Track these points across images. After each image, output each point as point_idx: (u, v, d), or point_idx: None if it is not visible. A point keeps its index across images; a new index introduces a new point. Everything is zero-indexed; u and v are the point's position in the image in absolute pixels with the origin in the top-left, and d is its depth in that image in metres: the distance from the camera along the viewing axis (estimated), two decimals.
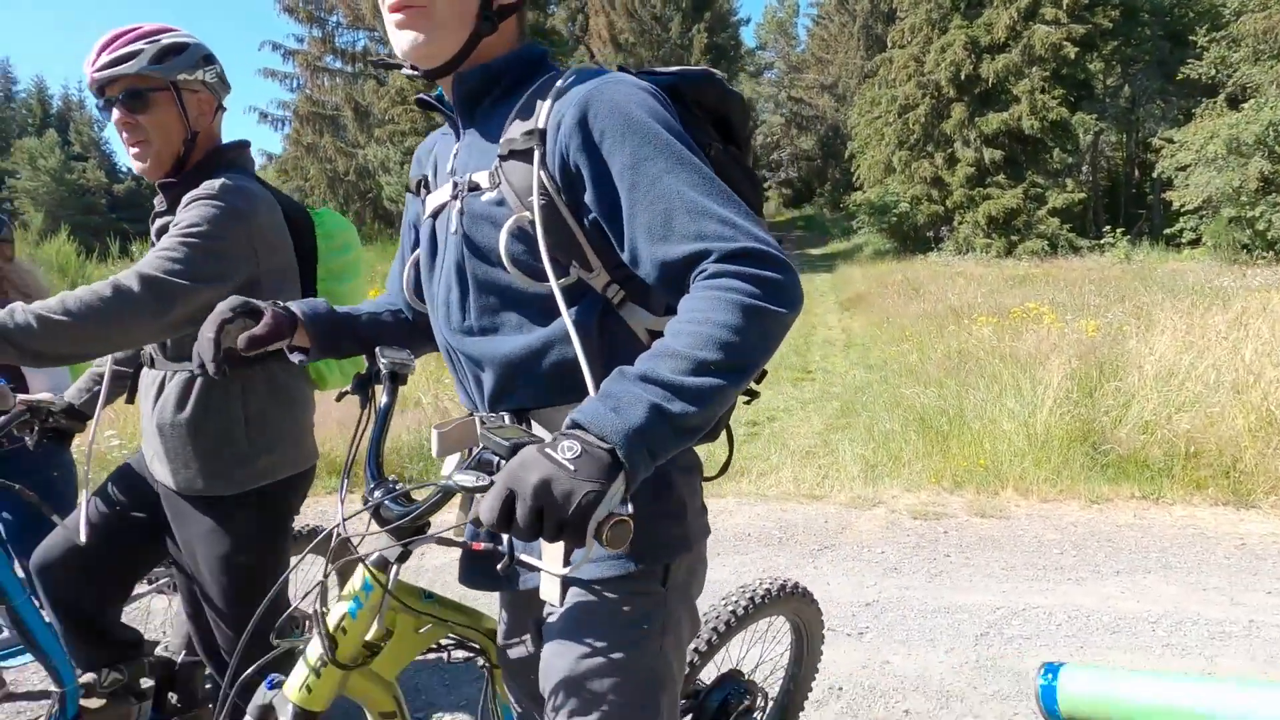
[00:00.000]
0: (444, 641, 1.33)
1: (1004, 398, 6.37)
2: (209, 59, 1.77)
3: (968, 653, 3.05)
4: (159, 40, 1.67)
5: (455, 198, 1.14)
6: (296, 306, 1.27)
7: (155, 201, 1.81)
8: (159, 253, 1.57)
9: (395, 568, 1.13)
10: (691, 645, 1.75)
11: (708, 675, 1.91)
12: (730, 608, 1.84)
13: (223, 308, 1.21)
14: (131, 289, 1.50)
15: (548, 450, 0.82)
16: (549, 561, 0.98)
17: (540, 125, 1.04)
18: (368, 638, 1.15)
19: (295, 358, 1.29)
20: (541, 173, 1.04)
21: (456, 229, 1.14)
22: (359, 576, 1.14)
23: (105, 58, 1.64)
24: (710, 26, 31.80)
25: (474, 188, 1.11)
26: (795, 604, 2.02)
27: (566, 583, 1.09)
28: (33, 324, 1.41)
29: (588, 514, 0.79)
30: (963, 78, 25.11)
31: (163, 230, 1.75)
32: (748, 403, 1.41)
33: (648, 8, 31.96)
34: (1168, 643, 3.11)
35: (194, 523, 1.81)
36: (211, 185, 1.67)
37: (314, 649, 1.10)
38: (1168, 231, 23.58)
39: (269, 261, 1.72)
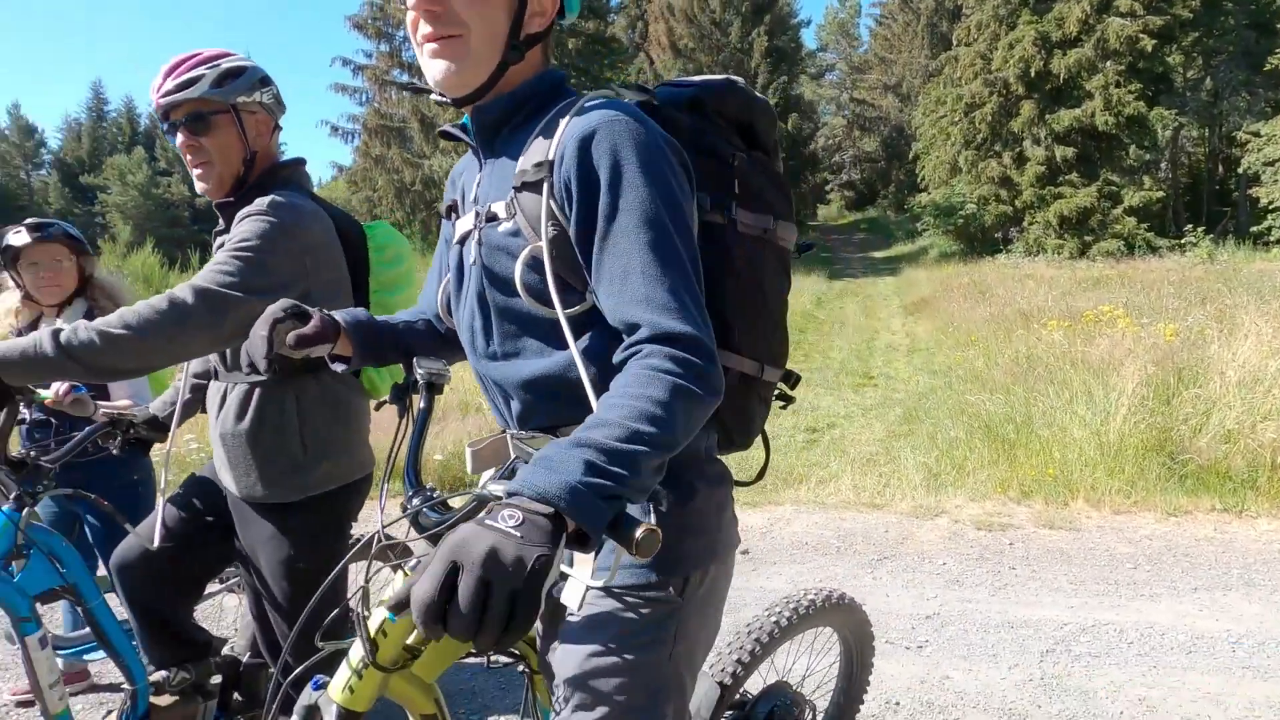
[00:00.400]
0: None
1: (1075, 405, 6.16)
2: (265, 81, 1.84)
3: (1032, 669, 2.95)
4: (219, 65, 1.75)
5: (476, 228, 1.17)
6: (339, 315, 1.31)
7: (219, 223, 1.89)
8: (212, 266, 1.64)
9: (403, 564, 1.17)
10: (735, 656, 1.73)
11: (755, 686, 1.89)
12: (774, 619, 1.82)
13: (274, 308, 1.25)
14: (186, 301, 1.57)
15: (487, 521, 0.79)
16: (579, 570, 0.99)
17: (549, 157, 1.07)
18: (408, 642, 1.17)
19: (337, 366, 1.34)
20: (551, 203, 1.07)
21: (476, 259, 1.17)
22: (400, 582, 1.17)
23: (169, 84, 1.73)
24: (770, 30, 31.58)
25: (492, 218, 1.14)
26: (842, 616, 1.98)
27: (586, 589, 1.10)
28: (95, 340, 1.49)
29: (540, 579, 0.76)
30: (1032, 74, 24.39)
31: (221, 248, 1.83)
32: (783, 408, 1.39)
33: (707, 13, 31.93)
34: (1248, 664, 2.96)
35: (256, 528, 1.88)
36: (262, 202, 1.74)
37: (356, 651, 1.13)
38: (1254, 230, 22.45)
39: (320, 274, 1.78)
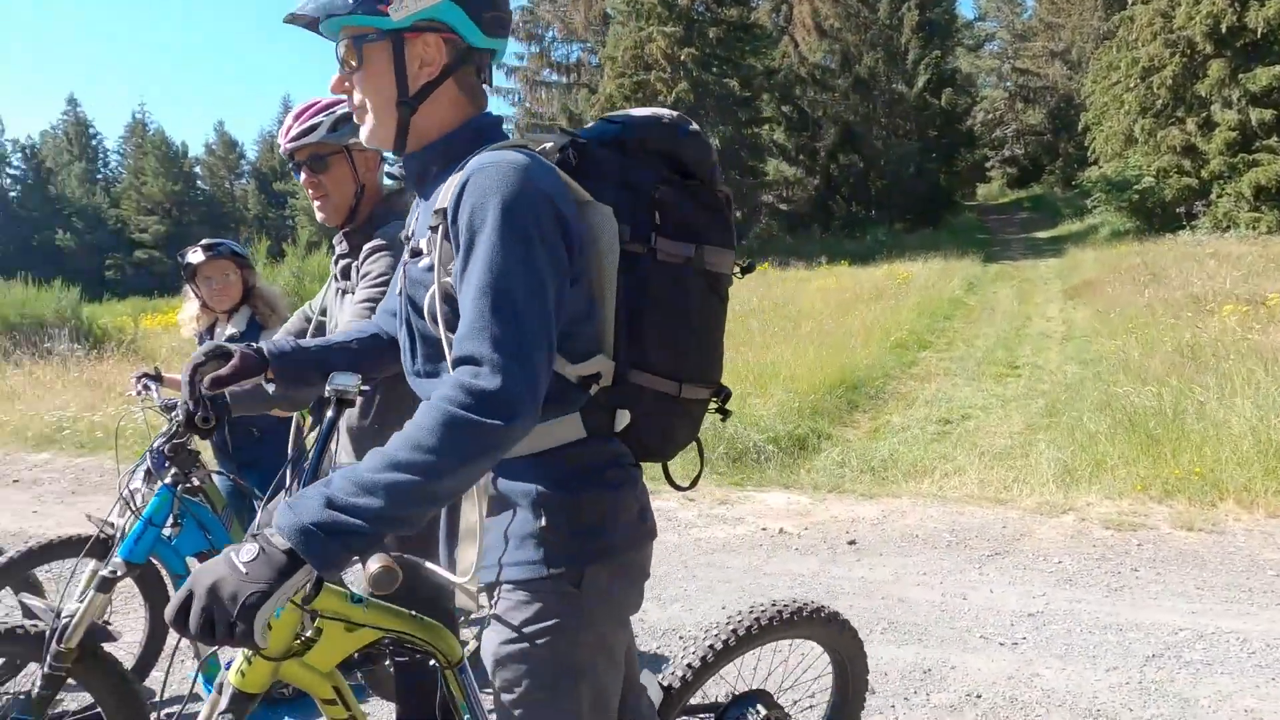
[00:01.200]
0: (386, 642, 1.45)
1: (1236, 398, 5.70)
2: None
3: (1132, 673, 2.87)
4: (334, 112, 2.07)
5: (405, 260, 1.32)
6: (265, 345, 1.46)
7: (335, 242, 2.22)
8: (359, 303, 1.98)
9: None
10: (686, 660, 1.77)
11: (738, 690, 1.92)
12: (731, 626, 1.81)
13: (196, 354, 1.40)
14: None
15: (230, 554, 0.97)
16: (450, 570, 1.18)
17: (444, 205, 1.17)
18: (307, 634, 1.35)
19: (270, 388, 1.47)
20: (447, 245, 1.17)
21: (402, 289, 1.31)
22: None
23: (295, 129, 2.07)
24: (922, 3, 30.19)
25: (416, 253, 1.26)
26: (823, 631, 1.94)
27: (488, 588, 1.27)
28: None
29: (251, 614, 0.93)
30: (1223, 30, 21.99)
31: (345, 269, 2.16)
32: (723, 420, 1.48)
33: None
34: None
35: None
36: (386, 234, 2.05)
37: None
38: None
39: None
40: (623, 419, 1.28)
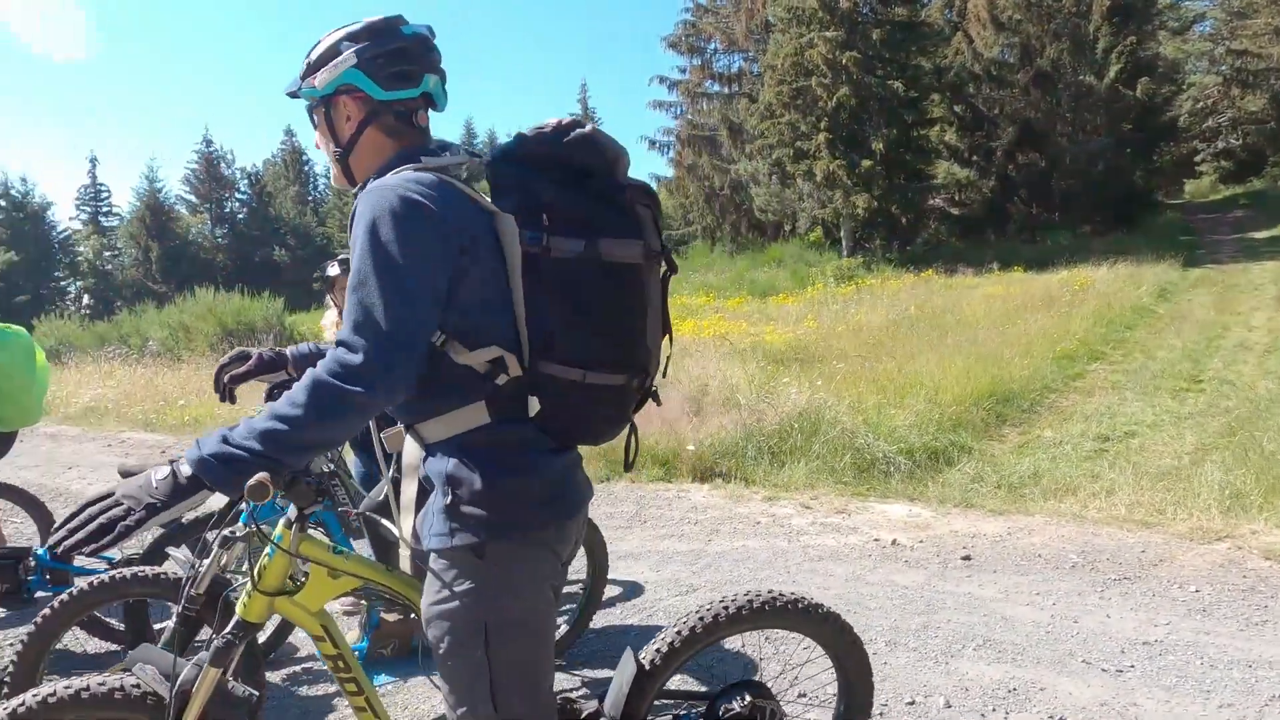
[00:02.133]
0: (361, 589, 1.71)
1: None
2: None
3: (1246, 709, 2.63)
4: None
5: None
6: (290, 349, 1.86)
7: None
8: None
9: (296, 525, 1.56)
10: (656, 646, 1.83)
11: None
12: (699, 615, 1.84)
13: (224, 358, 1.85)
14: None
15: (150, 472, 1.30)
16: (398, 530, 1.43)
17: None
18: (294, 575, 1.61)
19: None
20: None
21: None
22: (278, 529, 1.58)
23: None
24: None
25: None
26: (815, 627, 1.93)
27: (420, 554, 1.47)
28: None
29: (139, 522, 1.27)
30: None
31: None
32: (637, 407, 1.57)
33: None
34: None
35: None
36: None
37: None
38: None
39: None
40: (534, 405, 1.41)
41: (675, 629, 1.86)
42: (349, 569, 1.65)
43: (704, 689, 2.06)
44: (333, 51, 1.50)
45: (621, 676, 1.84)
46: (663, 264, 1.56)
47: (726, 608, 1.87)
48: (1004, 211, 29.33)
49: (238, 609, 1.58)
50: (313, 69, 1.52)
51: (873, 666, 2.04)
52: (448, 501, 1.39)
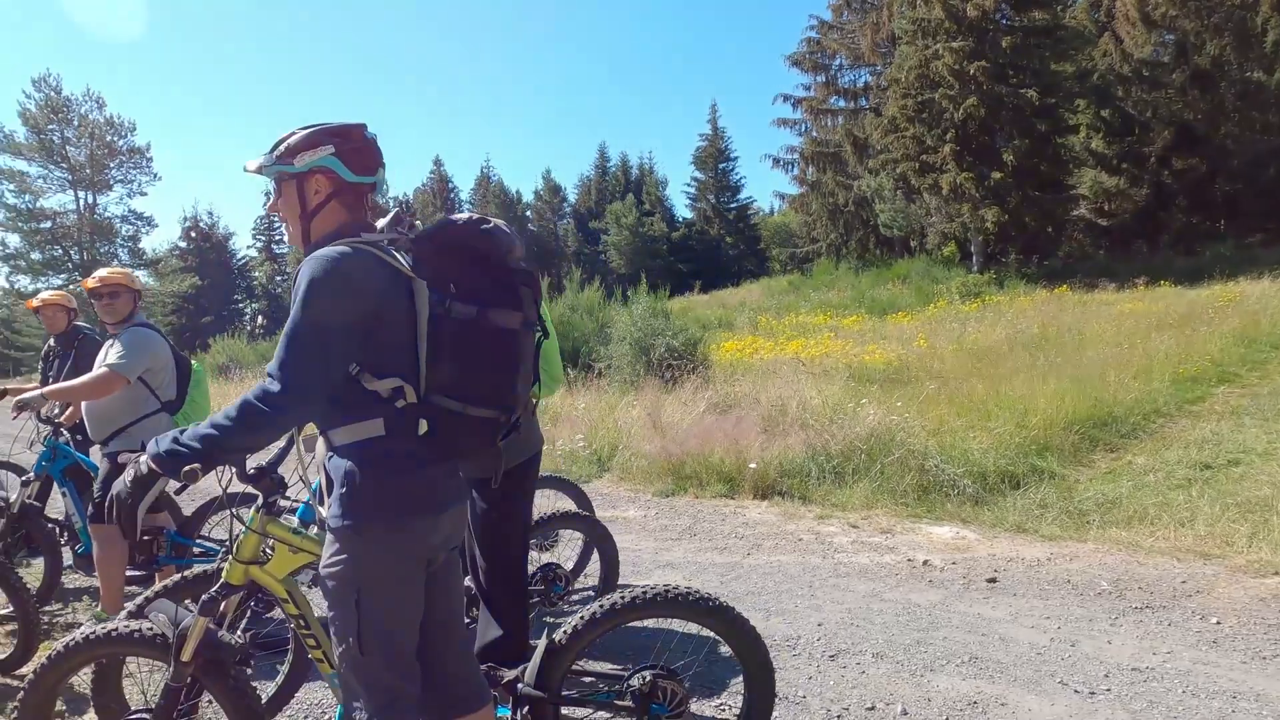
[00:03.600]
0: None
1: None
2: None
3: None
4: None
5: None
6: None
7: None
8: None
9: (262, 511, 2.04)
10: (562, 627, 2.24)
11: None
12: (600, 603, 2.23)
13: None
14: None
15: (129, 469, 1.82)
16: (322, 512, 1.83)
17: None
18: (264, 548, 2.06)
19: None
20: None
21: None
22: (250, 514, 2.05)
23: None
24: None
25: None
26: (710, 620, 2.25)
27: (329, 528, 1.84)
28: None
29: (125, 497, 1.81)
30: None
31: None
32: (504, 438, 1.93)
33: None
34: None
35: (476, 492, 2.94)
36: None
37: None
38: None
39: None
40: (423, 426, 1.81)
41: (581, 615, 2.21)
42: (305, 546, 2.11)
43: (622, 670, 2.34)
44: (313, 141, 1.93)
45: (537, 652, 2.19)
46: (536, 332, 1.99)
47: (624, 598, 2.21)
48: (1158, 221, 27.28)
49: (223, 574, 2.05)
50: (292, 151, 1.94)
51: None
52: (343, 492, 1.79)
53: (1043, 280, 22.38)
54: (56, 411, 4.53)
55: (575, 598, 4.06)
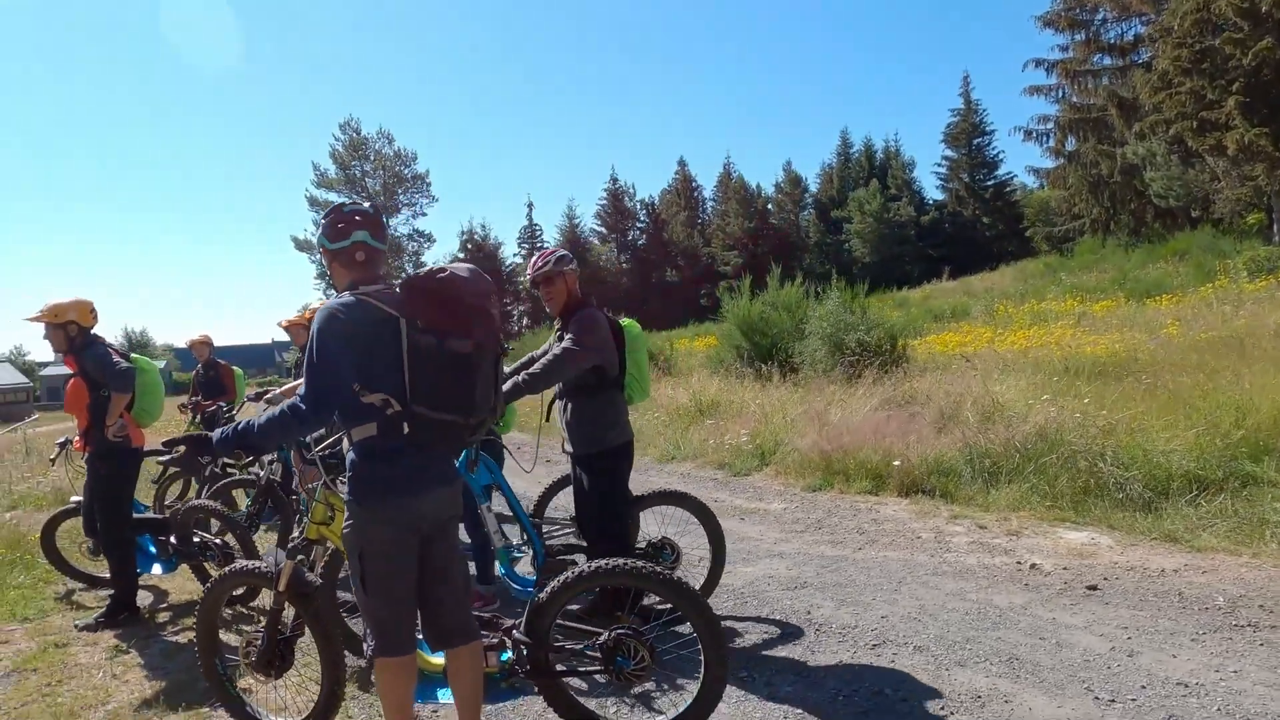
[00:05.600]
0: None
1: None
2: (567, 259, 3.76)
3: None
4: (559, 253, 3.73)
5: None
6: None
7: (556, 320, 3.77)
8: (568, 342, 3.56)
9: (323, 485, 2.71)
10: (548, 588, 2.77)
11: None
12: (577, 571, 2.73)
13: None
14: (563, 356, 3.53)
15: (197, 441, 2.52)
16: None
17: None
18: (329, 513, 2.74)
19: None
20: None
21: None
22: (319, 487, 2.76)
23: (539, 265, 3.73)
24: None
25: None
26: (662, 590, 2.65)
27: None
28: (537, 374, 3.51)
29: (190, 463, 2.53)
30: None
31: (560, 334, 3.70)
32: (471, 437, 2.52)
33: None
34: None
35: (580, 469, 3.66)
36: (582, 315, 3.61)
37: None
38: None
39: (609, 347, 3.68)
40: (405, 428, 2.40)
41: (559, 578, 2.74)
42: None
43: (599, 629, 2.80)
44: (349, 224, 2.63)
45: (528, 607, 2.76)
46: (505, 351, 2.62)
47: (591, 568, 2.73)
48: None
49: (303, 531, 2.86)
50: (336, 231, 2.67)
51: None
52: (349, 475, 2.47)
53: None
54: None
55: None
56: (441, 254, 54.03)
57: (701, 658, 2.69)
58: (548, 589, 2.76)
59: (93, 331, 4.54)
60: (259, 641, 2.90)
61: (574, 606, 3.35)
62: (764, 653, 3.65)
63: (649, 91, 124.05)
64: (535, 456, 4.41)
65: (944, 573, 4.57)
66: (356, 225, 2.58)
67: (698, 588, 3.83)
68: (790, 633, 3.87)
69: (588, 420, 3.71)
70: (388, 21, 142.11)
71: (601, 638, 2.74)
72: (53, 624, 4.64)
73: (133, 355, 4.71)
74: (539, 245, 58.75)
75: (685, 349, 19.33)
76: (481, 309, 2.49)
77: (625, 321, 3.93)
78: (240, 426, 2.45)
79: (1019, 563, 4.62)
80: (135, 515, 4.76)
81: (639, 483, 7.51)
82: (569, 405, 3.76)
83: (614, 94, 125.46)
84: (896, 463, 6.57)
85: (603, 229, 57.19)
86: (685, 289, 52.18)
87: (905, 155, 55.12)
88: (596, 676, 3.05)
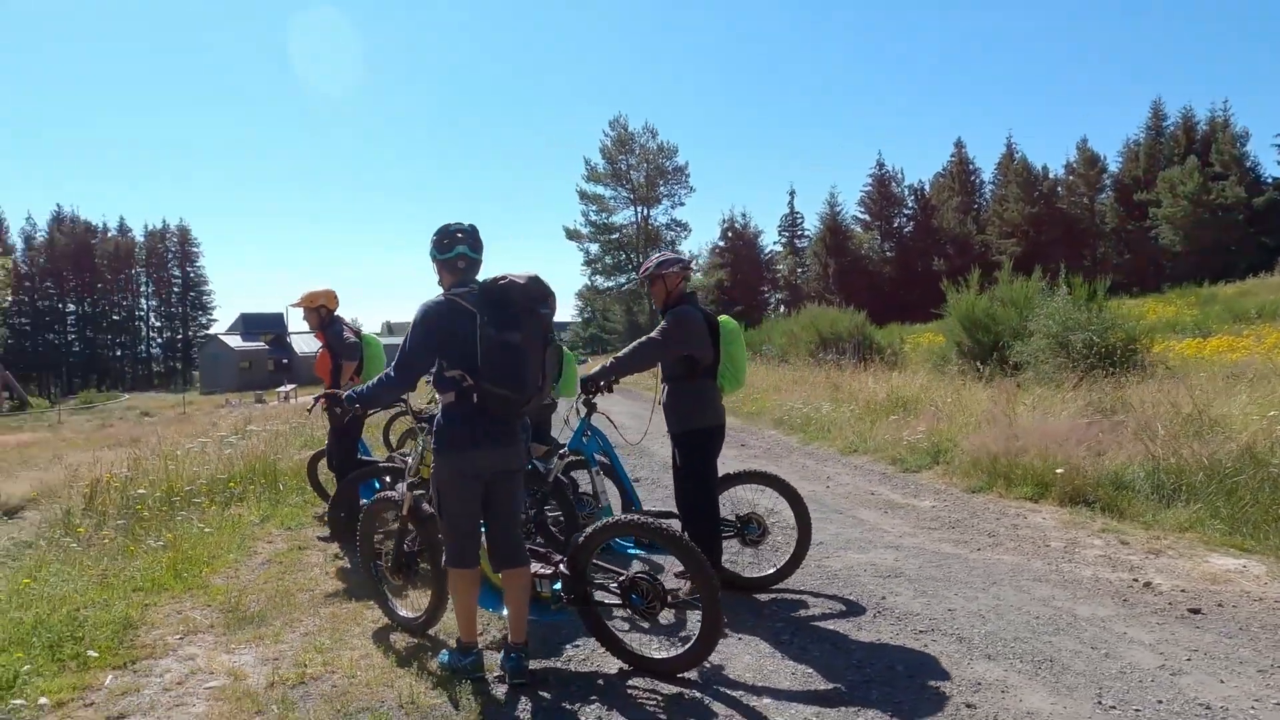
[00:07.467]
0: None
1: None
2: (669, 263, 4.38)
3: None
4: (662, 258, 4.37)
5: None
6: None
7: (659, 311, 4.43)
8: (654, 333, 4.24)
9: (420, 439, 3.55)
10: (581, 535, 3.37)
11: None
12: (600, 525, 3.33)
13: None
14: (646, 344, 4.25)
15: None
16: None
17: None
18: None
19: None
20: None
21: None
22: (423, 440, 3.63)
23: (650, 267, 4.41)
24: None
25: None
26: (667, 546, 3.17)
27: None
28: (622, 358, 4.29)
29: (354, 419, 3.95)
30: None
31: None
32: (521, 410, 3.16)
33: None
34: None
35: (674, 445, 4.34)
36: (675, 311, 4.25)
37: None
38: None
39: (699, 341, 4.23)
40: (475, 397, 3.15)
41: (588, 530, 3.38)
42: None
43: (622, 571, 3.42)
44: (453, 240, 3.47)
45: (570, 545, 3.46)
46: (553, 342, 3.33)
47: (606, 523, 3.34)
48: None
49: (417, 471, 3.79)
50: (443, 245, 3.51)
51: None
52: (435, 430, 3.28)
53: None
54: None
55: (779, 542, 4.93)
56: (700, 243, 56.30)
57: (701, 612, 3.21)
58: (586, 533, 3.42)
59: (335, 314, 5.92)
60: (392, 552, 3.88)
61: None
62: (815, 623, 3.99)
63: (921, 67, 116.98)
64: (647, 430, 5.04)
65: (1047, 580, 4.51)
66: (459, 241, 3.34)
67: (783, 563, 4.47)
68: (852, 610, 4.15)
69: (681, 403, 4.29)
70: (656, 18, 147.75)
71: (621, 578, 3.35)
72: (305, 535, 6.17)
73: (363, 333, 6.05)
74: (800, 234, 58.56)
75: (917, 344, 18.65)
76: (530, 309, 3.19)
77: (723, 319, 4.47)
78: (359, 389, 3.39)
79: (1135, 580, 4.41)
80: (360, 457, 6.14)
81: (812, 472, 7.94)
82: (667, 389, 4.35)
83: (885, 70, 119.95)
84: (1059, 470, 6.28)
85: (866, 216, 55.58)
86: (952, 279, 49.22)
87: (1237, 127, 47.07)
88: (615, 611, 3.66)
